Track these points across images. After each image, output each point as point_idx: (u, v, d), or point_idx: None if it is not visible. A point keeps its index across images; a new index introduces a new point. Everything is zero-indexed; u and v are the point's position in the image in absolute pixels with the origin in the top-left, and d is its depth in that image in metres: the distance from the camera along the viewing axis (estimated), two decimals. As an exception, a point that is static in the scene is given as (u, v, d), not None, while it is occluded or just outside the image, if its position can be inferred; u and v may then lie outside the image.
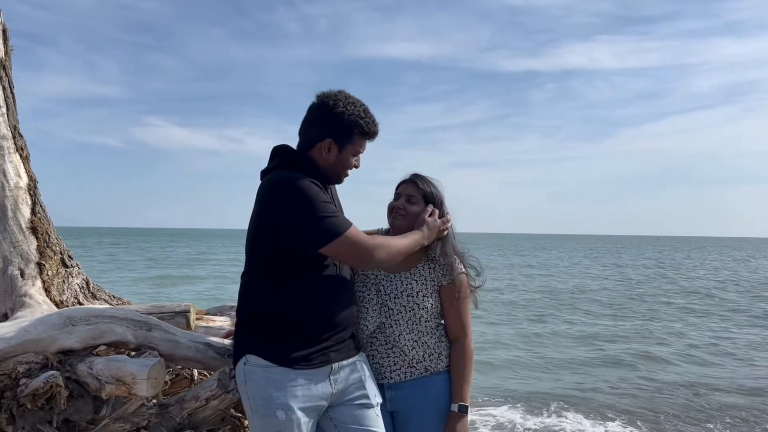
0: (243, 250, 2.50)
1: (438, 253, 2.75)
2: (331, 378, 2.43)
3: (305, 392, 2.35)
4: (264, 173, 2.51)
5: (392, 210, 2.78)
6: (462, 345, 2.73)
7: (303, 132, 2.51)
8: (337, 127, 2.45)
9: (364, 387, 2.52)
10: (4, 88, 3.41)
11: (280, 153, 2.51)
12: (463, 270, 2.78)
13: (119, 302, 3.50)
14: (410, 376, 2.68)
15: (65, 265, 3.41)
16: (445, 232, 2.74)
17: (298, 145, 2.52)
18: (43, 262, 3.30)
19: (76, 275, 3.45)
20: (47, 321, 2.52)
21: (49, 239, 3.37)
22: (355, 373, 2.52)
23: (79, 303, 3.34)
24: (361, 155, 2.59)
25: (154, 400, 2.72)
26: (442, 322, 2.81)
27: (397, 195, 2.81)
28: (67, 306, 3.24)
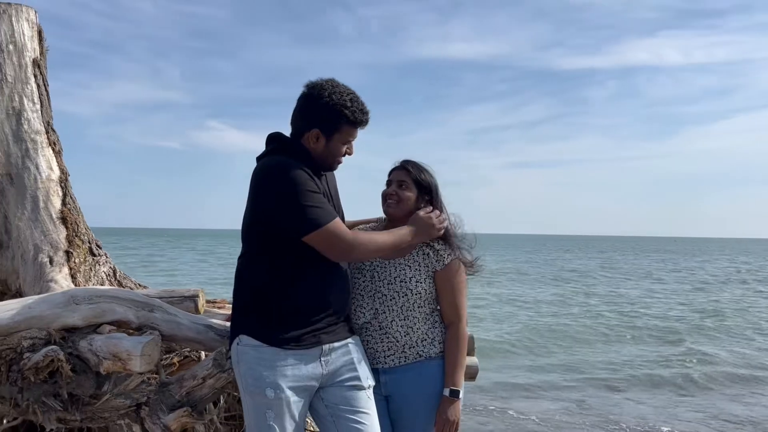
0: None
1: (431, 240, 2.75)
2: (322, 359, 2.46)
3: (295, 372, 2.39)
4: (259, 159, 2.56)
5: (385, 198, 2.79)
6: (455, 330, 2.74)
7: (292, 122, 2.55)
8: (323, 117, 2.46)
9: (355, 369, 2.54)
10: (38, 86, 3.62)
11: (275, 139, 2.55)
12: (457, 254, 2.75)
13: (143, 289, 3.64)
14: (403, 361, 2.70)
15: (93, 254, 3.57)
16: (442, 231, 2.71)
17: (290, 135, 2.55)
18: (71, 250, 3.47)
19: (103, 263, 3.61)
20: (51, 299, 2.65)
21: (77, 229, 3.55)
22: (346, 356, 2.53)
23: (105, 290, 3.49)
24: (354, 142, 2.59)
25: (155, 378, 2.80)
26: (438, 307, 2.80)
27: (389, 182, 2.83)
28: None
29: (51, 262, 3.40)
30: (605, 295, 24.14)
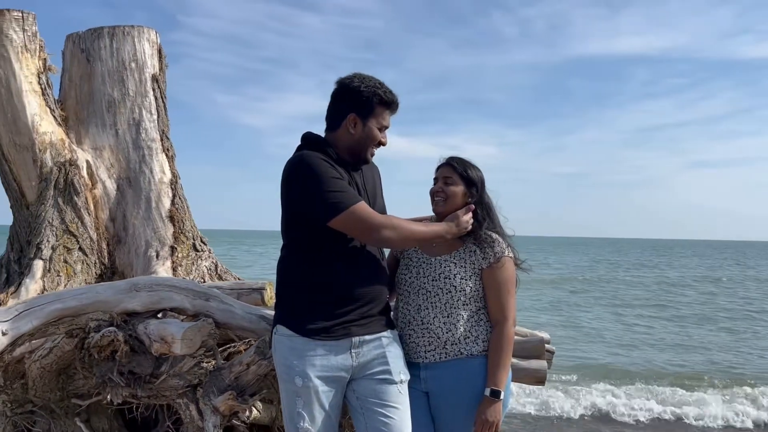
0: None
1: (479, 237, 2.69)
2: (353, 351, 2.48)
3: (323, 362, 2.43)
4: None
5: (433, 196, 2.76)
6: (500, 329, 2.65)
7: (328, 116, 2.63)
8: (357, 100, 2.53)
9: (387, 363, 2.53)
10: (156, 98, 4.05)
11: (304, 138, 2.65)
12: (506, 253, 2.65)
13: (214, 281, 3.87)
14: (444, 357, 2.65)
15: (196, 249, 3.89)
16: (469, 228, 2.67)
17: (325, 130, 2.62)
18: (176, 245, 3.82)
19: (205, 258, 3.91)
20: (116, 286, 2.93)
21: (183, 227, 3.89)
22: (378, 349, 2.53)
23: (204, 282, 3.78)
24: (387, 132, 2.62)
25: (212, 363, 2.97)
26: (485, 306, 2.70)
27: (435, 180, 2.80)
28: (219, 282, 3.71)
29: (157, 256, 3.77)
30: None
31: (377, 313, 2.56)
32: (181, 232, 3.88)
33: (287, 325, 2.50)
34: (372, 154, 2.61)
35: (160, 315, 2.95)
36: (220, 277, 3.91)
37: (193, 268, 3.83)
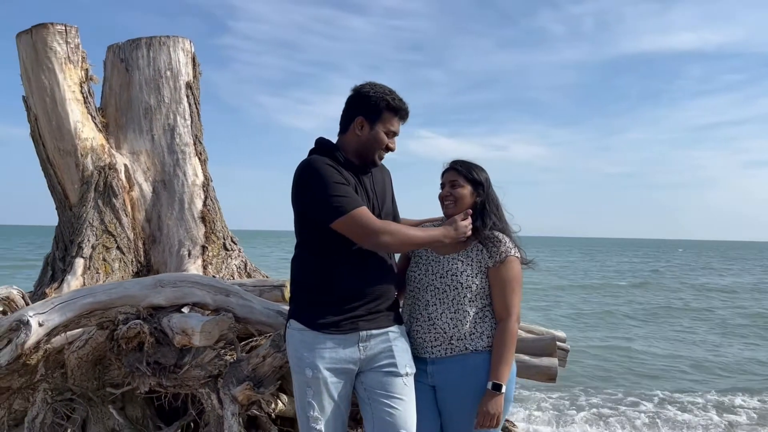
0: None
1: (485, 237, 2.76)
2: (360, 344, 2.59)
3: (332, 354, 2.56)
4: None
5: (442, 201, 2.85)
6: (504, 326, 2.72)
7: (340, 120, 2.75)
8: (365, 105, 2.64)
9: (393, 356, 2.63)
10: (190, 105, 4.26)
11: (316, 143, 2.78)
12: (512, 253, 2.72)
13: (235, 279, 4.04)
14: (450, 352, 2.73)
15: (226, 249, 4.08)
16: (468, 233, 2.73)
17: (338, 133, 2.74)
18: (207, 245, 4.01)
19: (235, 257, 4.09)
20: (142, 282, 3.13)
21: (214, 227, 4.09)
22: (385, 343, 2.63)
23: (233, 279, 3.96)
24: (396, 139, 2.72)
25: (233, 355, 3.13)
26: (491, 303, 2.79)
27: (442, 185, 2.88)
28: (242, 280, 3.89)
29: (189, 254, 3.97)
30: None
31: (385, 309, 2.66)
32: (212, 232, 4.07)
33: (299, 319, 2.63)
34: (381, 158, 2.70)
35: (185, 309, 3.13)
36: (249, 275, 4.08)
37: (223, 267, 4.02)
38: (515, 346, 2.75)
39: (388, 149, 2.69)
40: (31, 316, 2.88)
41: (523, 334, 3.58)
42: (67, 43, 3.94)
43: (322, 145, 2.71)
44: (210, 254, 3.99)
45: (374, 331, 2.60)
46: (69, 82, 3.93)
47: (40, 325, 2.88)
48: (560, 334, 3.61)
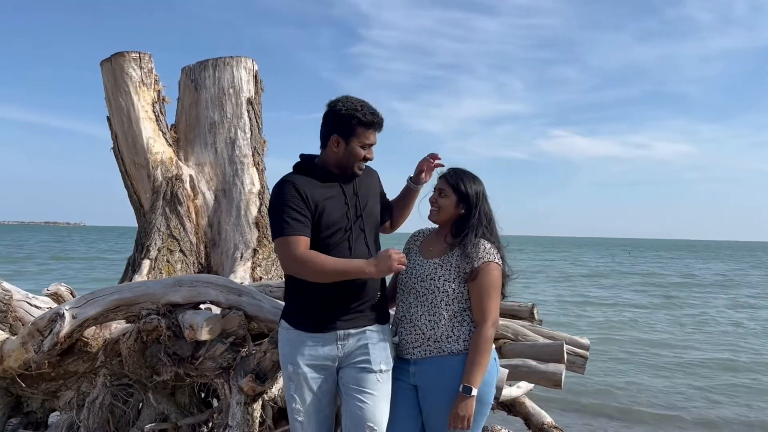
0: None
1: (467, 243, 2.79)
2: (339, 343, 2.75)
3: (311, 352, 2.74)
4: None
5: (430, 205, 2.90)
6: (479, 330, 2.76)
7: (320, 136, 2.89)
8: (338, 123, 2.75)
9: (368, 353, 2.75)
10: (250, 119, 4.59)
11: (299, 157, 2.92)
12: (490, 259, 2.75)
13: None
14: (428, 353, 2.80)
15: (276, 252, 4.33)
16: (400, 269, 2.67)
17: (320, 148, 2.89)
18: (258, 249, 4.30)
19: (284, 260, 4.33)
20: (164, 281, 3.45)
21: (266, 232, 4.36)
22: (362, 341, 2.76)
23: (281, 280, 4.20)
24: (373, 147, 2.81)
25: (245, 350, 3.36)
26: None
27: (434, 190, 2.92)
28: (269, 281, 4.15)
29: (241, 257, 4.28)
30: None
31: (367, 309, 2.77)
32: (264, 237, 4.35)
33: (286, 319, 2.83)
34: (360, 168, 2.79)
35: (202, 307, 3.41)
36: (295, 277, 4.30)
37: (273, 269, 4.28)
38: (490, 351, 2.74)
39: (366, 159, 2.78)
40: (66, 309, 3.31)
41: (541, 340, 3.46)
42: (141, 68, 4.43)
43: (301, 162, 2.85)
44: (260, 257, 4.27)
45: (352, 330, 2.73)
46: (143, 102, 4.42)
47: (74, 317, 3.30)
48: (584, 341, 3.41)
